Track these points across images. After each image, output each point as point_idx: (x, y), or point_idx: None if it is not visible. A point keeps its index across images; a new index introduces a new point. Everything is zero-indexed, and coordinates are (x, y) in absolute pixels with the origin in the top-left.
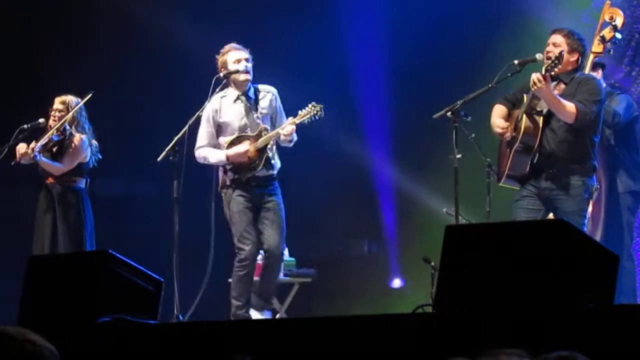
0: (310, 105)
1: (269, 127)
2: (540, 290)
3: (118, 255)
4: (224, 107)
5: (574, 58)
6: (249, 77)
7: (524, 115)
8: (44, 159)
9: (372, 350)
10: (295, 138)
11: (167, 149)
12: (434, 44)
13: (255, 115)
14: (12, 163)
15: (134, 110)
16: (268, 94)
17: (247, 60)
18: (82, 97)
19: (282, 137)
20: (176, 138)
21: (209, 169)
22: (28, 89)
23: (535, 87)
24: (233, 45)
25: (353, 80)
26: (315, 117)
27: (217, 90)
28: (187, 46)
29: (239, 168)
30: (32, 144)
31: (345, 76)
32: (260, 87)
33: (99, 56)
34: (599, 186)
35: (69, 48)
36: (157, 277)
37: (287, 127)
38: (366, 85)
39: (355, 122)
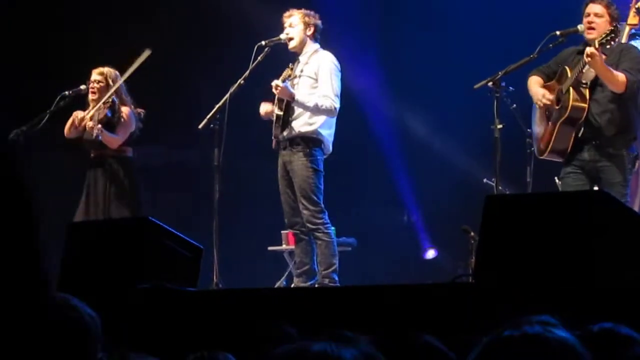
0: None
1: (283, 86)
2: (580, 261)
3: (158, 222)
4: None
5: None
6: (291, 44)
7: (571, 88)
8: (107, 133)
9: (411, 319)
10: (292, 94)
11: (209, 116)
12: (478, 14)
13: (295, 79)
14: (73, 133)
15: (175, 78)
16: (316, 60)
17: (290, 25)
18: (118, 68)
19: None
20: (217, 106)
21: (250, 137)
22: (70, 58)
23: (589, 60)
24: (287, 11)
25: (396, 49)
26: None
27: (260, 58)
28: (231, 13)
29: (273, 130)
30: (90, 123)
31: (389, 46)
32: (320, 52)
33: (141, 24)
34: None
35: (109, 14)
36: (196, 244)
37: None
38: (407, 52)
39: (395, 90)
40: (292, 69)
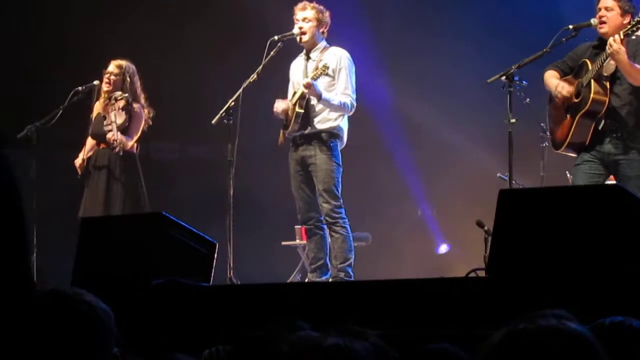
0: (322, 66)
1: (313, 84)
2: (593, 255)
3: (172, 217)
4: (294, 65)
5: (626, 20)
6: (303, 38)
7: (593, 81)
8: (125, 142)
9: (425, 314)
10: (320, 94)
11: (222, 112)
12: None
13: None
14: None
15: (189, 74)
16: (332, 56)
17: (305, 20)
18: (134, 63)
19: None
20: (230, 101)
21: (263, 132)
22: (82, 53)
23: (612, 51)
24: (299, 4)
25: (408, 43)
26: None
27: (272, 53)
28: (243, 8)
29: (284, 126)
30: (113, 135)
31: (400, 40)
32: (332, 48)
33: (154, 22)
34: None
35: (122, 10)
36: (210, 239)
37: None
38: (419, 47)
39: (408, 84)
40: (326, 67)
